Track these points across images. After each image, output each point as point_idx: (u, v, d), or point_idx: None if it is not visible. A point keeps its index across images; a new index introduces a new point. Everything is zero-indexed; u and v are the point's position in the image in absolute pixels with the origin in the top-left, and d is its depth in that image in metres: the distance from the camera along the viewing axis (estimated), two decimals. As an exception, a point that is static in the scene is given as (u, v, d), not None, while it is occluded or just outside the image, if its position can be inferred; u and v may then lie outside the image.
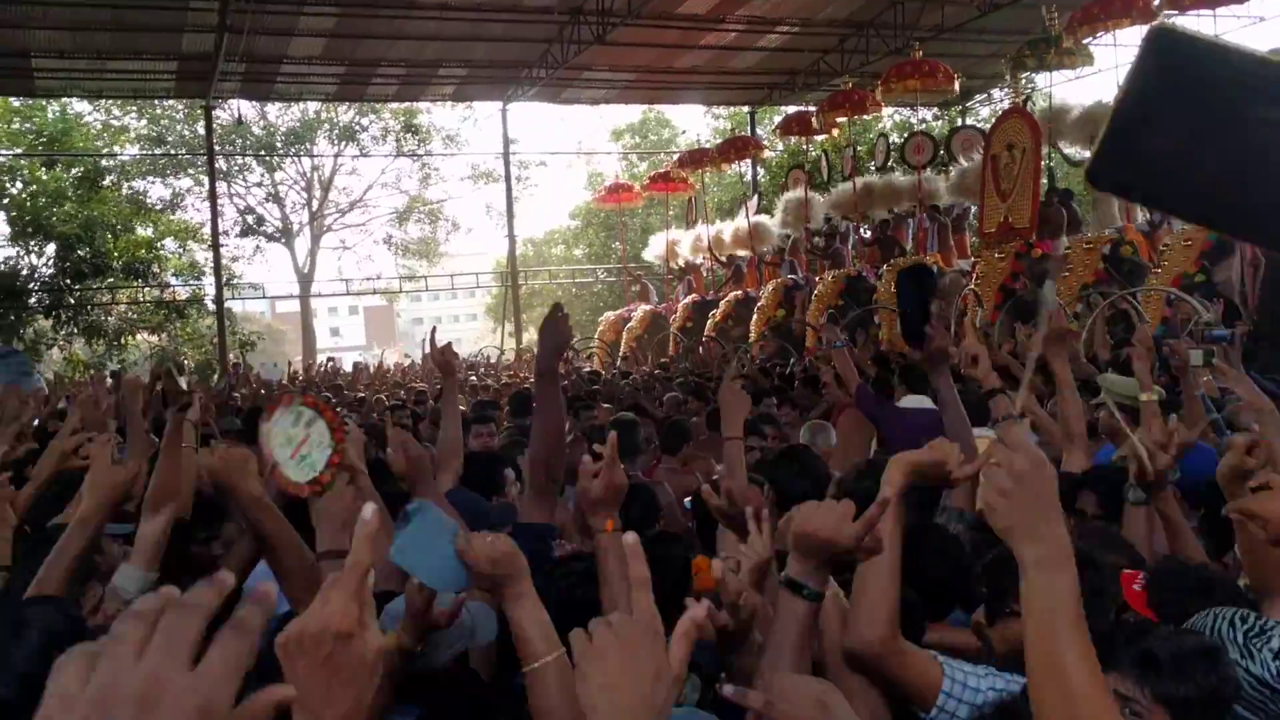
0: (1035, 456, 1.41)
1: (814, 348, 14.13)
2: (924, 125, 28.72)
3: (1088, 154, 14.32)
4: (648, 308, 22.27)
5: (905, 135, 19.10)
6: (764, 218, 20.84)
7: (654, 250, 24.31)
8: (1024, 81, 17.26)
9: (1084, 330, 8.49)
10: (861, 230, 18.54)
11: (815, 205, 19.14)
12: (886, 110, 25.01)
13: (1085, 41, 14.69)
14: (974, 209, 16.28)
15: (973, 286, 13.76)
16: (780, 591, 1.86)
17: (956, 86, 16.92)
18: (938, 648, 2.17)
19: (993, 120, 16.43)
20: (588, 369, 16.38)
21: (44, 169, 26.39)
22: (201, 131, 26.23)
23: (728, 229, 21.54)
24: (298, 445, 2.25)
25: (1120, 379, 4.76)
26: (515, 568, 1.87)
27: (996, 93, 24.02)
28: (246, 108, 28.41)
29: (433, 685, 2.11)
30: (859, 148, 19.04)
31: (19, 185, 26.21)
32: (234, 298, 28.49)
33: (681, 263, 22.74)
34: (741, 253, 20.91)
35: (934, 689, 1.97)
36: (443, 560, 1.89)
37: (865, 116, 19.20)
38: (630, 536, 1.28)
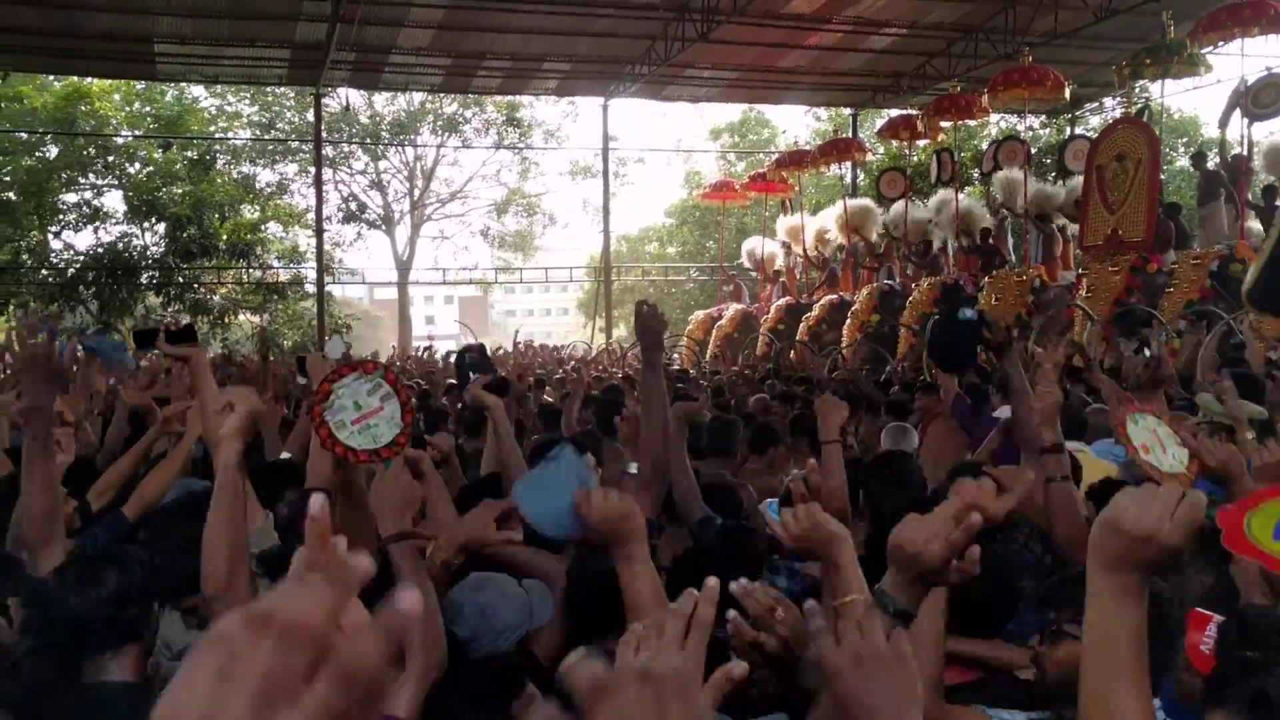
0: None
1: (904, 353, 13.89)
2: (1031, 133, 28.05)
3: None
4: (739, 307, 22.10)
5: (999, 140, 18.61)
6: (867, 201, 20.53)
7: (748, 248, 24.08)
8: (1138, 90, 16.76)
9: (1188, 348, 8.18)
10: (960, 238, 18.18)
11: (915, 211, 18.82)
12: (994, 117, 24.49)
13: (1206, 50, 14.21)
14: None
15: (1080, 301, 13.37)
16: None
17: (1067, 94, 16.48)
18: (963, 659, 2.12)
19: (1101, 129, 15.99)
20: (675, 367, 16.34)
21: (160, 150, 27.35)
22: (310, 119, 26.88)
23: (829, 215, 21.19)
24: (366, 414, 2.25)
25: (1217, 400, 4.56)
26: (629, 529, 1.86)
27: (1108, 101, 23.35)
28: (354, 96, 29.03)
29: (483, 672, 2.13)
30: (963, 154, 18.64)
31: (136, 165, 27.21)
32: (334, 282, 29.17)
33: (777, 265, 22.54)
34: (838, 240, 20.47)
35: None
36: (558, 508, 1.92)
37: (971, 122, 18.81)
38: (712, 583, 1.26)
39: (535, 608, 2.42)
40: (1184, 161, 20.11)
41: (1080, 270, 14.56)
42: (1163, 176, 14.41)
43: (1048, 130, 28.65)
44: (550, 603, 2.34)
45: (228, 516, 2.24)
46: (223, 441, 2.33)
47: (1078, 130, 22.39)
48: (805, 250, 21.19)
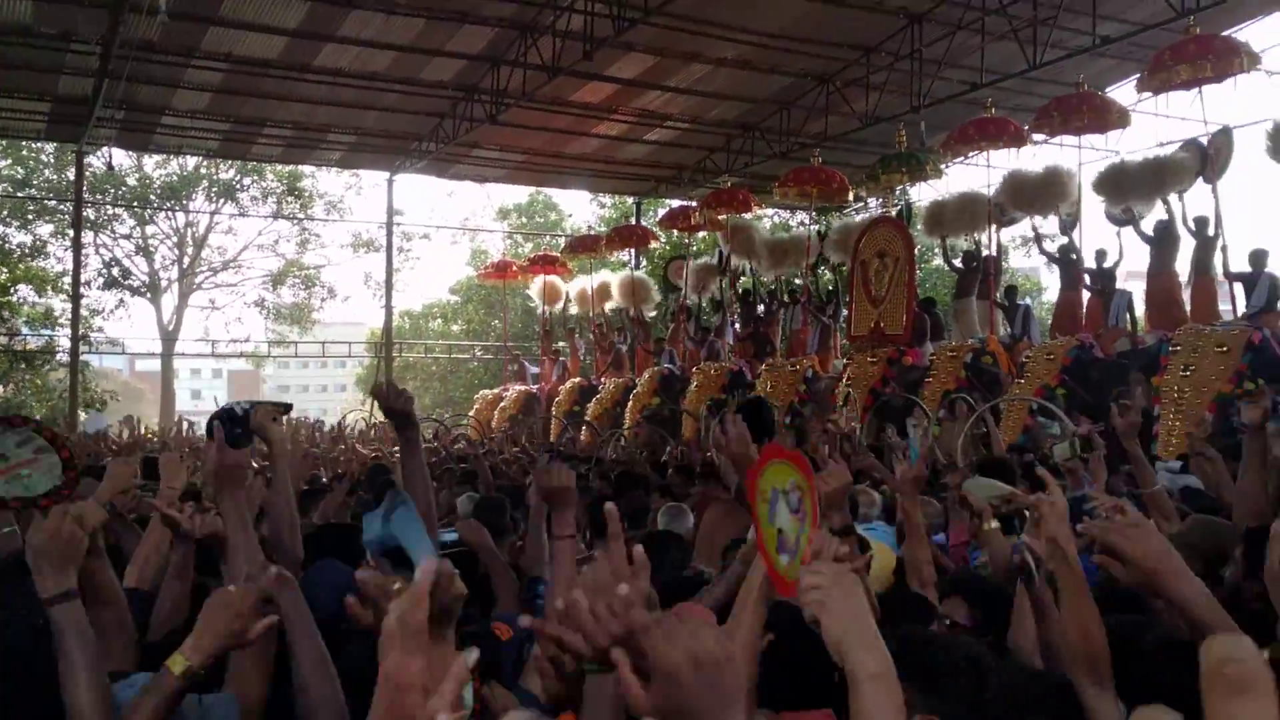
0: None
1: (693, 437, 14.19)
2: (802, 227, 29.60)
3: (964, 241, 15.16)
4: (523, 388, 22.17)
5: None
6: (645, 277, 21.35)
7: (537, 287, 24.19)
8: (898, 191, 18.07)
9: (953, 434, 8.72)
10: (735, 325, 18.95)
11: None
12: (767, 210, 25.76)
13: (958, 161, 15.51)
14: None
15: (844, 387, 14.10)
16: None
17: (851, 195, 17.62)
18: None
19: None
20: (459, 446, 16.07)
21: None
22: (70, 177, 25.31)
23: (614, 280, 21.93)
24: (16, 464, 2.27)
25: (982, 481, 4.88)
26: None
27: (873, 201, 25.01)
28: (121, 157, 27.58)
29: None
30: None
31: None
32: (91, 351, 27.30)
33: (558, 345, 22.89)
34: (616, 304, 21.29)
35: None
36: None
37: (746, 215, 19.73)
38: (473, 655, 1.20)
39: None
40: (939, 260, 21.74)
41: (845, 360, 15.44)
42: (920, 273, 15.49)
43: (818, 225, 30.27)
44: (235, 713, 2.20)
45: None
46: None
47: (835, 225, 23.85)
48: (598, 329, 21.71)
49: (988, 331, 14.21)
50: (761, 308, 18.93)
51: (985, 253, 15.21)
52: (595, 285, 21.95)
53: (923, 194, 18.19)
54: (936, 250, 16.15)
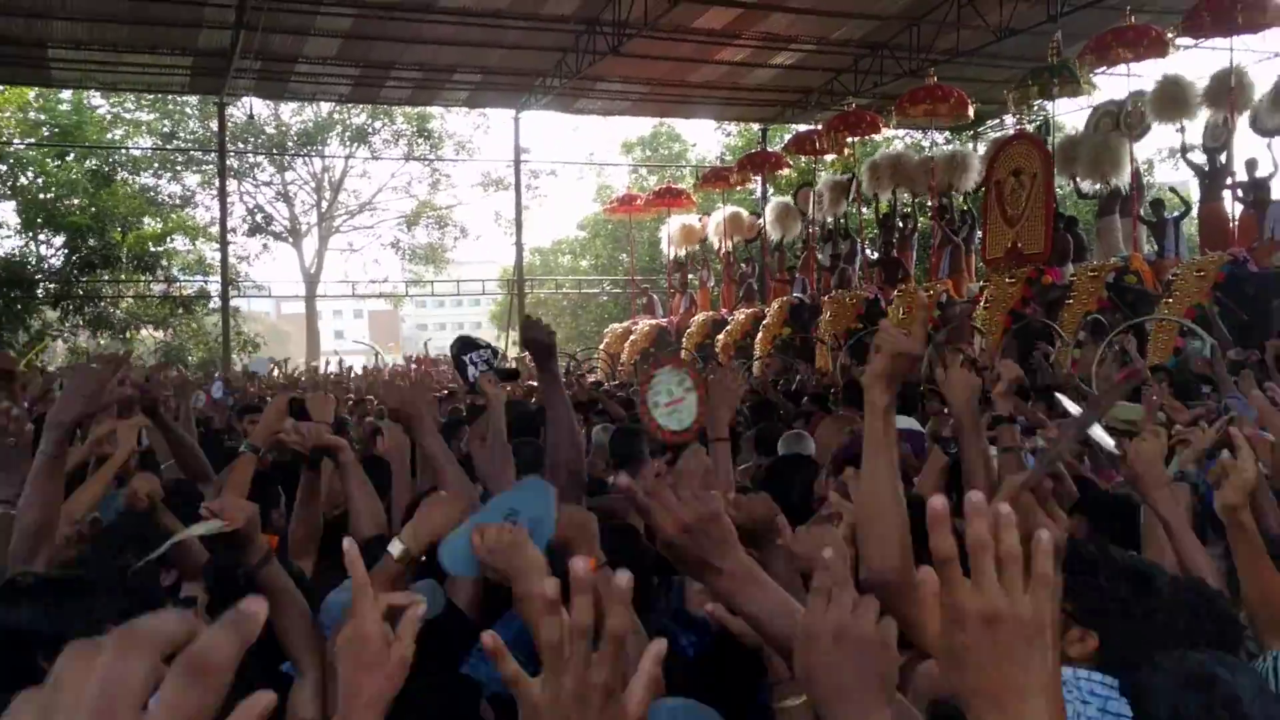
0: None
1: (826, 366, 14.05)
2: (935, 148, 28.73)
3: (1097, 185, 14.38)
4: (653, 321, 22.26)
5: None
6: (787, 200, 21.16)
7: (668, 231, 24.14)
8: (1034, 108, 17.31)
9: (1093, 357, 8.44)
10: (868, 251, 18.59)
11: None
12: (899, 131, 25.07)
13: (1097, 72, 14.75)
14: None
15: (980, 312, 13.73)
16: None
17: (971, 112, 16.93)
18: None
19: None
20: (591, 379, 16.33)
21: (55, 160, 26.49)
22: (214, 128, 26.30)
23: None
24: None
25: (1124, 405, 4.73)
26: (519, 563, 1.80)
27: (1009, 119, 24.07)
28: (259, 106, 28.47)
29: None
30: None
31: (29, 175, 26.31)
32: (239, 295, 28.54)
33: (687, 251, 22.88)
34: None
35: None
36: (462, 547, 1.91)
37: (876, 137, 19.22)
38: (624, 578, 1.03)
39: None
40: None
41: (982, 283, 14.98)
42: (1060, 191, 14.85)
43: (951, 145, 29.36)
44: (441, 597, 2.31)
45: None
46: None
47: (979, 146, 23.01)
48: (727, 257, 21.61)
49: (1131, 249, 13.61)
50: (896, 232, 18.50)
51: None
52: (726, 216, 21.76)
53: (1060, 108, 17.32)
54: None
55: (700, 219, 23.14)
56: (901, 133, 26.75)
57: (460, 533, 1.98)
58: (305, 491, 3.31)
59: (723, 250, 22.07)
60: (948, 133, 26.72)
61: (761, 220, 21.22)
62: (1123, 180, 14.02)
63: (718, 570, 1.56)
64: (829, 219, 19.49)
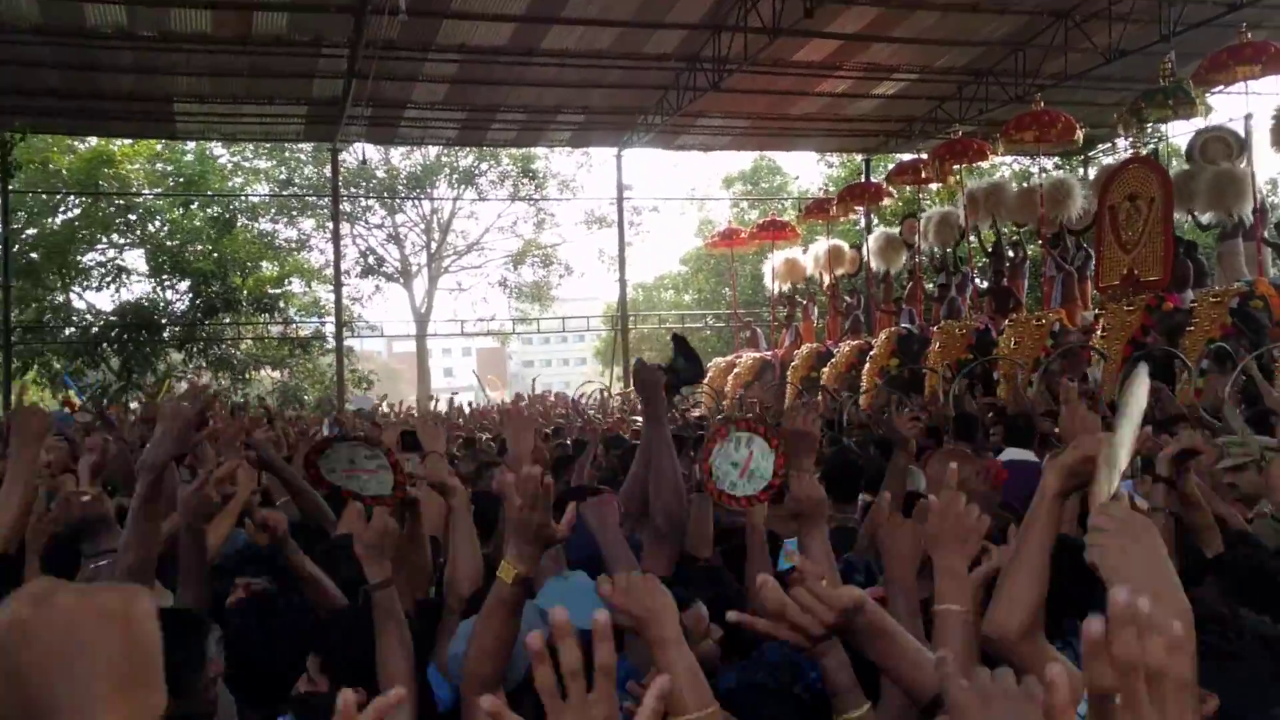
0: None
1: (933, 398, 13.74)
2: (1045, 175, 28.10)
3: (1213, 217, 13.86)
4: (756, 355, 22.14)
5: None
6: (894, 231, 20.84)
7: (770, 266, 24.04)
8: (1149, 131, 16.80)
9: (1220, 386, 8.11)
10: (978, 280, 18.18)
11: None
12: (1006, 158, 24.62)
13: (1216, 91, 14.26)
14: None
15: (1097, 341, 13.31)
16: None
17: (1080, 137, 16.51)
18: None
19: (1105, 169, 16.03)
20: (695, 414, 16.29)
21: (180, 209, 27.72)
22: (328, 174, 27.21)
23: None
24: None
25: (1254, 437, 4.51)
26: (656, 608, 1.76)
27: (1120, 142, 23.42)
28: (370, 151, 29.39)
29: None
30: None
31: (156, 223, 27.58)
32: (353, 335, 29.30)
33: (791, 285, 22.71)
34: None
35: None
36: (579, 603, 1.85)
37: (983, 164, 18.89)
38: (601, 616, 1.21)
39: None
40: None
41: (1097, 310, 14.52)
42: (1176, 215, 14.35)
43: (1061, 171, 28.70)
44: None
45: None
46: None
47: (1090, 171, 22.44)
48: (832, 286, 21.39)
49: (1256, 273, 13.06)
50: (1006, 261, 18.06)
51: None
52: (827, 249, 21.57)
53: (1175, 130, 16.81)
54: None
55: (804, 251, 22.97)
56: (1009, 159, 26.26)
57: (569, 588, 1.99)
58: (408, 535, 3.31)
59: (827, 283, 21.87)
60: (1056, 158, 26.15)
61: (864, 252, 20.96)
62: (1246, 211, 13.49)
63: (851, 631, 1.62)
64: (936, 249, 19.15)
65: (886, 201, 21.93)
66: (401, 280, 36.39)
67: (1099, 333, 13.39)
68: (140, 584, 2.57)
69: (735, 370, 21.75)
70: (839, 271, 21.58)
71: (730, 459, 2.59)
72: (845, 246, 21.78)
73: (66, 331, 25.65)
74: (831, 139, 25.06)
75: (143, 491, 2.62)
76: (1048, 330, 14.62)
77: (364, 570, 2.44)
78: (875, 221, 25.41)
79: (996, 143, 17.13)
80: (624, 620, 1.75)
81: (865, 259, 20.85)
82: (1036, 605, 1.87)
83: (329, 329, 26.47)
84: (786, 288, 23.02)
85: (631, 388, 21.95)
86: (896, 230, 21.05)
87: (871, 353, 17.72)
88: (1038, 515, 1.93)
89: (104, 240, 27.39)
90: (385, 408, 15.23)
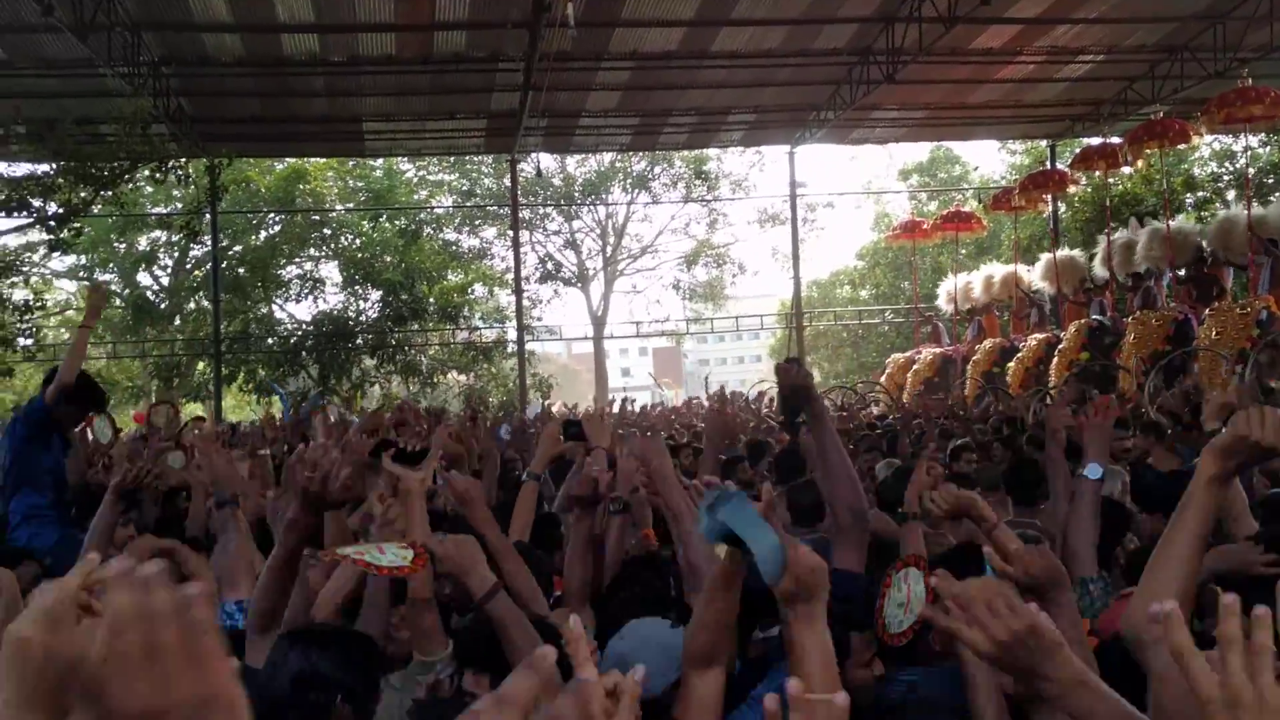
0: None
1: (1132, 393, 13.05)
2: (1250, 152, 26.38)
3: None
4: (937, 350, 21.57)
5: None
6: (1075, 253, 19.89)
7: (945, 289, 23.52)
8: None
9: None
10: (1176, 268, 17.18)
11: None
12: (1206, 139, 23.19)
13: None
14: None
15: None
16: None
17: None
18: None
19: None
20: (875, 411, 16.01)
21: (370, 222, 29.14)
22: (507, 184, 28.04)
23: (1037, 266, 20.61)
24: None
25: None
26: (821, 587, 1.80)
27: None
28: (547, 160, 30.12)
29: None
30: (1174, 179, 17.72)
31: (348, 237, 29.09)
32: (533, 339, 30.07)
33: (972, 303, 21.98)
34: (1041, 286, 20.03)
35: None
36: (775, 547, 1.80)
37: (1182, 146, 17.83)
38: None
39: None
40: None
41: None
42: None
43: (1267, 149, 26.88)
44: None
45: None
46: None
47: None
48: (1018, 288, 20.57)
49: None
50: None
51: None
52: (1061, 258, 20.26)
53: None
54: None
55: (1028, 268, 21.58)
56: (1210, 138, 24.75)
57: (762, 536, 1.87)
58: (581, 538, 3.38)
59: (1015, 276, 21.08)
60: (1263, 135, 24.51)
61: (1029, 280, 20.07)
62: None
63: (1047, 678, 1.55)
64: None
65: (1073, 189, 20.98)
66: (579, 284, 37.14)
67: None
68: (265, 631, 2.62)
69: (915, 367, 21.25)
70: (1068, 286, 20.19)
71: (896, 602, 2.45)
72: (1078, 257, 20.43)
73: (269, 341, 27.30)
74: (1014, 126, 24.19)
75: (279, 551, 2.65)
76: (1253, 319, 13.69)
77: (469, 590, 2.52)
78: (1064, 210, 24.40)
79: (1198, 121, 16.13)
80: (790, 588, 1.78)
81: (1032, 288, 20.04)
82: (1183, 597, 1.80)
83: (511, 334, 27.27)
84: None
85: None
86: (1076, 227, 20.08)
87: (1060, 346, 17.01)
88: (1189, 501, 1.88)
89: (301, 254, 29.07)
90: (558, 407, 15.59)
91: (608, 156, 33.23)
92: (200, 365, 27.52)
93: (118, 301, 28.41)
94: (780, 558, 1.79)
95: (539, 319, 33.18)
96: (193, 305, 29.67)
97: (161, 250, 30.32)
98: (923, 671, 2.67)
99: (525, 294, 28.77)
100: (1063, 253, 20.21)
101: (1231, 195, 25.04)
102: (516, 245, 26.13)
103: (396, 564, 2.41)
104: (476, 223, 34.12)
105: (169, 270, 30.29)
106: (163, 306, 29.17)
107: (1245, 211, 15.74)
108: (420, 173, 33.07)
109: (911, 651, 2.65)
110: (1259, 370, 11.13)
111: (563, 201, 35.27)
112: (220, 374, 24.00)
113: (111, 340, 27.95)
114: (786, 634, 1.82)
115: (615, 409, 13.64)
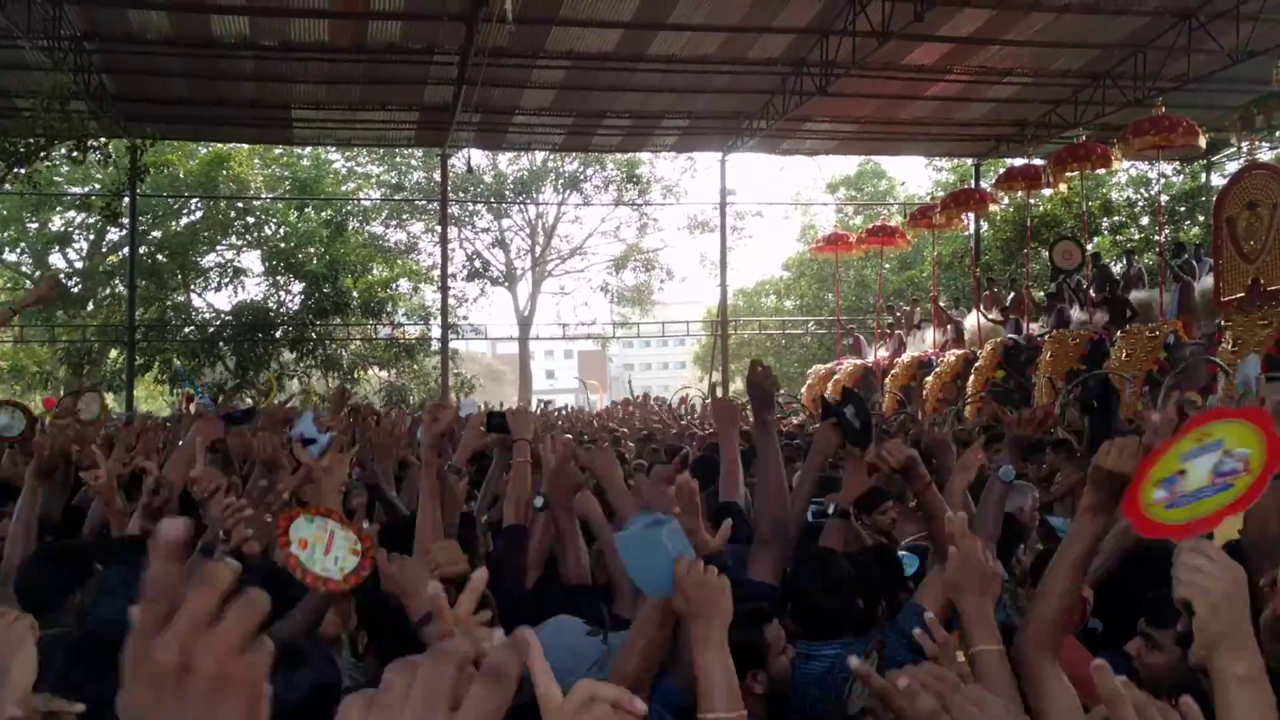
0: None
1: (1050, 408, 13.32)
2: (1164, 180, 27.20)
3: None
4: (858, 362, 21.85)
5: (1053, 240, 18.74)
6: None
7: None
8: (1274, 134, 16.09)
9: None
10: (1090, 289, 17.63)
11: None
12: (1124, 164, 23.85)
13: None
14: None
15: (1224, 356, 12.78)
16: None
17: (1202, 142, 15.91)
18: None
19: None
20: (796, 421, 16.13)
21: (295, 212, 28.59)
22: (437, 179, 27.75)
23: None
24: (327, 545, 2.25)
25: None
26: (716, 608, 1.83)
27: (1245, 145, 22.53)
28: (479, 156, 29.88)
29: None
30: (1091, 203, 18.19)
31: (272, 226, 28.50)
32: (458, 338, 29.78)
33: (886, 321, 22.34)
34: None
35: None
36: (660, 570, 1.89)
37: (1101, 171, 18.31)
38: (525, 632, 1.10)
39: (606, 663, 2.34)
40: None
41: (1222, 323, 13.94)
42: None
43: (1180, 178, 27.75)
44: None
45: None
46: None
47: (1214, 178, 21.62)
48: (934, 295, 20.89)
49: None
50: (1118, 269, 17.52)
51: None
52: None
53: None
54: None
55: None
56: (1127, 164, 25.47)
57: (649, 559, 1.92)
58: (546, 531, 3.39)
59: (934, 291, 21.47)
60: (1177, 163, 25.31)
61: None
62: None
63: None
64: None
65: (995, 208, 21.42)
66: (506, 284, 36.90)
67: (1227, 345, 12.83)
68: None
69: (835, 378, 21.48)
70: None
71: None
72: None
73: (186, 330, 26.63)
74: (941, 143, 24.64)
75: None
76: (1161, 341, 14.12)
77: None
78: (985, 229, 24.89)
79: (1115, 147, 16.59)
80: (681, 607, 1.84)
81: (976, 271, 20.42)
82: (1056, 621, 2.02)
83: (435, 331, 26.97)
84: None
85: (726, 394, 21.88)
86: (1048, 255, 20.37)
87: (977, 364, 17.34)
88: (1070, 532, 2.09)
89: (222, 242, 28.42)
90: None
91: (540, 155, 33.10)
92: (113, 353, 26.66)
93: (27, 284, 27.47)
94: (664, 580, 1.87)
95: (464, 317, 32.90)
96: (107, 291, 28.74)
97: (76, 232, 29.44)
98: (843, 645, 2.69)
99: (451, 291, 28.48)
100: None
101: (1145, 221, 25.85)
102: (444, 241, 25.84)
103: (327, 574, 2.22)
104: (404, 217, 33.72)
105: (83, 253, 29.39)
106: (75, 290, 28.23)
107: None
108: (349, 164, 32.58)
109: (834, 628, 2.82)
110: (1168, 393, 11.44)
111: (493, 199, 35.04)
112: (134, 363, 23.32)
113: (19, 324, 27.00)
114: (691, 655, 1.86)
115: (537, 412, 13.58)
